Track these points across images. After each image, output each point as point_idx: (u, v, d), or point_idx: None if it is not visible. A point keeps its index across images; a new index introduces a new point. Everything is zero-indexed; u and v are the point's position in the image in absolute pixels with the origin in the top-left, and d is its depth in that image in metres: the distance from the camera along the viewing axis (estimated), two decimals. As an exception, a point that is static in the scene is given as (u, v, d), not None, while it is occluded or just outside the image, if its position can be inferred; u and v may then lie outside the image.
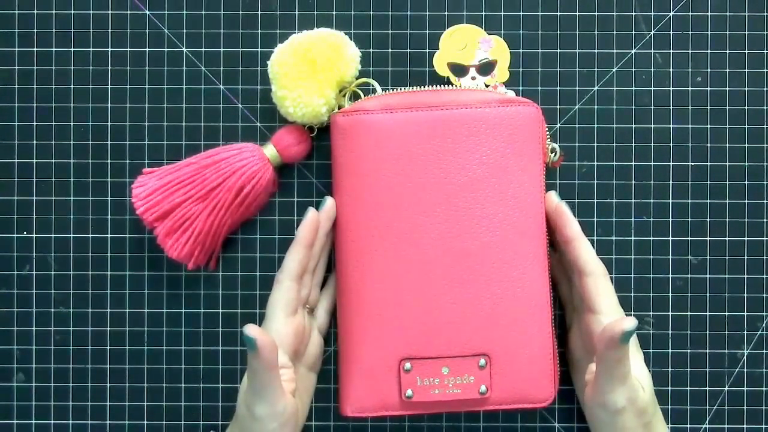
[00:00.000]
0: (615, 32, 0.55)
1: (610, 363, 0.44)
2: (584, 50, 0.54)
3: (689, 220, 0.54)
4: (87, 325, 0.55)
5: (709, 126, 0.54)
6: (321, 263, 0.52)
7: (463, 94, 0.50)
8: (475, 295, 0.49)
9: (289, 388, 0.47)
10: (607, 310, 0.48)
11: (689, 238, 0.54)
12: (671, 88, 0.54)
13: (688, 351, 0.54)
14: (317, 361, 0.52)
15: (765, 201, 0.54)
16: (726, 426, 0.54)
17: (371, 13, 0.55)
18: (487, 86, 0.51)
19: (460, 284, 0.49)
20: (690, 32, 0.55)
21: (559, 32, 0.54)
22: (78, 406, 0.55)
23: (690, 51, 0.55)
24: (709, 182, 0.54)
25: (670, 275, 0.54)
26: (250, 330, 0.44)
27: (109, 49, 0.55)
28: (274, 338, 0.46)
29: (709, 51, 0.55)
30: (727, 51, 0.55)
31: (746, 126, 0.54)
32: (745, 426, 0.54)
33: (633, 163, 0.54)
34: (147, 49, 0.55)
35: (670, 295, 0.54)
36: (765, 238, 0.54)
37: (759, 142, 0.54)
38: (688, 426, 0.54)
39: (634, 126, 0.54)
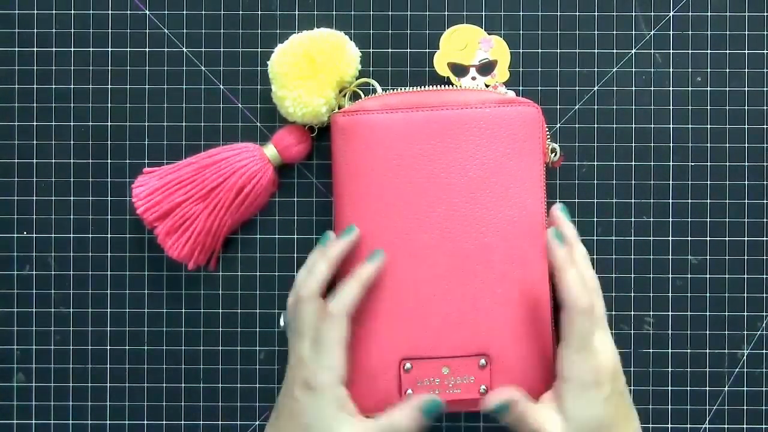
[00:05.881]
0: (615, 32, 0.55)
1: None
2: (584, 50, 0.54)
3: (689, 220, 0.54)
4: (87, 325, 0.55)
5: (709, 126, 0.54)
6: None
7: (463, 95, 0.50)
8: (475, 295, 0.49)
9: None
10: (569, 344, 0.45)
11: (689, 238, 0.54)
12: (671, 88, 0.54)
13: (688, 351, 0.54)
14: None
15: (765, 201, 0.54)
16: (726, 426, 0.54)
17: (371, 13, 0.55)
18: (487, 86, 0.51)
19: (460, 284, 0.49)
20: (690, 32, 0.55)
21: (559, 32, 0.54)
22: (78, 406, 0.55)
23: (690, 51, 0.55)
24: (709, 182, 0.54)
25: (670, 275, 0.54)
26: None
27: (109, 49, 0.55)
28: (338, 376, 0.45)
29: (709, 51, 0.55)
30: (727, 51, 0.55)
31: (746, 126, 0.54)
32: (745, 426, 0.54)
33: (633, 163, 0.54)
34: (147, 49, 0.55)
35: (670, 295, 0.54)
36: (765, 238, 0.54)
37: (759, 142, 0.54)
38: (688, 426, 0.54)
39: (634, 126, 0.54)
